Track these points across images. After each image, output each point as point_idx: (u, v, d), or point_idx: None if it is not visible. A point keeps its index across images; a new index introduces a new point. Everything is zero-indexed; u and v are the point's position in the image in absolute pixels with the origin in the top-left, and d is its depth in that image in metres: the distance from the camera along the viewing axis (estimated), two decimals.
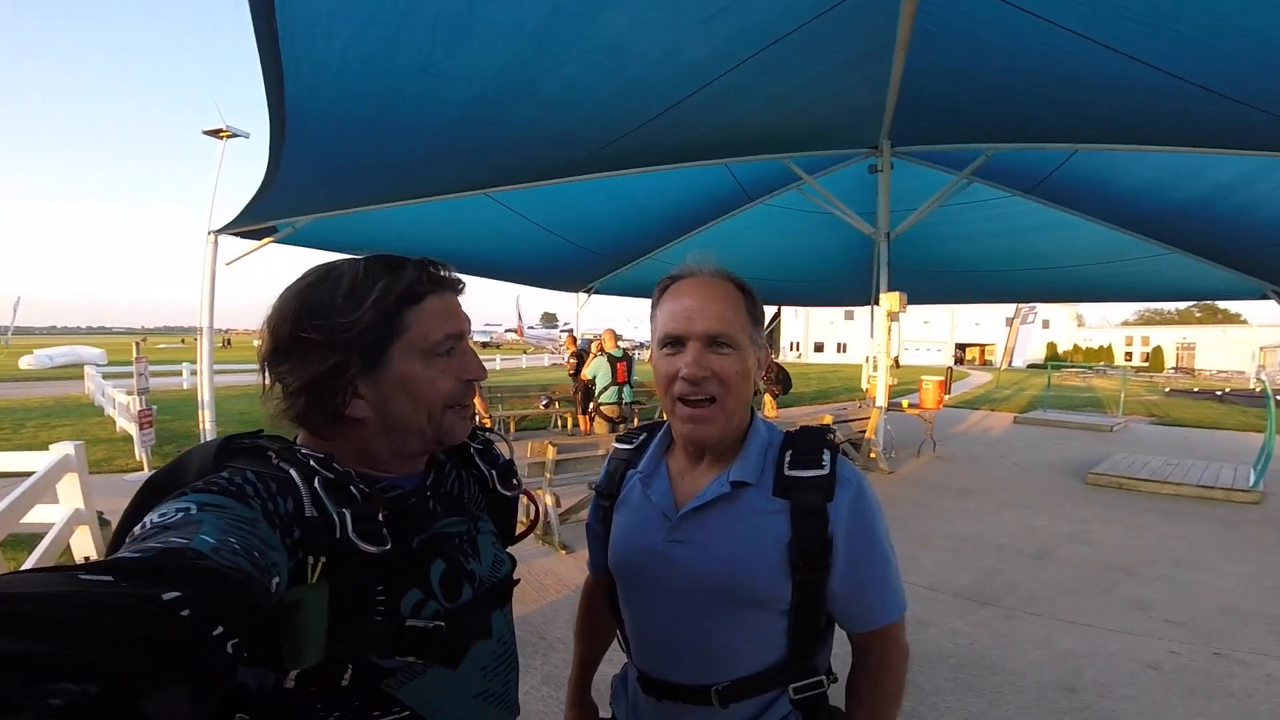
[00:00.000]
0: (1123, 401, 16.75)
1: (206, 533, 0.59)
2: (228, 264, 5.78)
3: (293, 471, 0.77)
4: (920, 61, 3.80)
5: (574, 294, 11.26)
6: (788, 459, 1.07)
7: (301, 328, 0.82)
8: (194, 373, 18.63)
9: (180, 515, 0.63)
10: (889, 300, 7.74)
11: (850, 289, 11.82)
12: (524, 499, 1.17)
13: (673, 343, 1.08)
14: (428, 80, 3.00)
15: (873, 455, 8.30)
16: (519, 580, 1.07)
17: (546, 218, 7.35)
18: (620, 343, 8.01)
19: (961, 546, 5.23)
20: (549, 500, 5.00)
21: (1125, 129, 4.72)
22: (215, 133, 22.89)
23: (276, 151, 3.51)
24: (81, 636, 0.40)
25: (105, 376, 16.63)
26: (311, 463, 0.79)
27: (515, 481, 1.10)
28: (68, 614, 0.41)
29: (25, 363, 28.54)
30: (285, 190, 4.41)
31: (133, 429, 8.34)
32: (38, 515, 3.66)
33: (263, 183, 4.21)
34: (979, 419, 14.65)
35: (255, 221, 5.44)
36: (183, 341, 69.64)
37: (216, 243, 5.57)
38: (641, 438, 1.28)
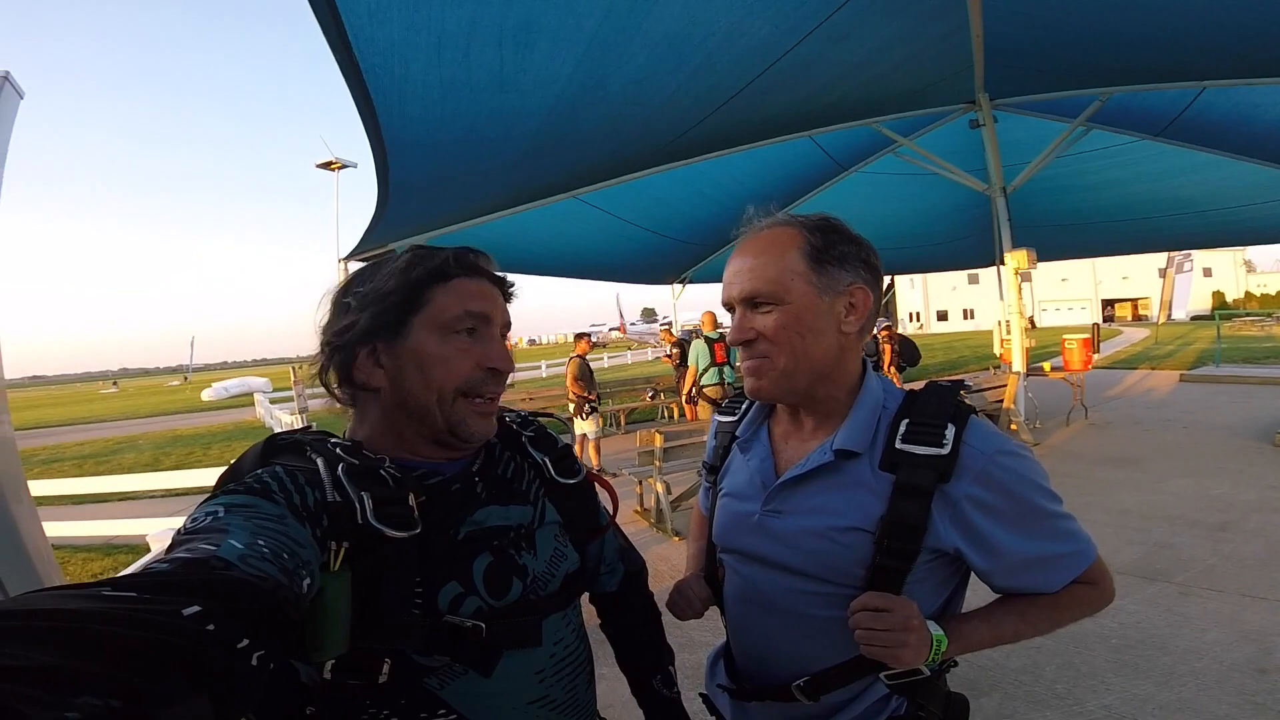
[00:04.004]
0: None
1: (234, 537, 0.59)
2: None
3: (319, 461, 0.77)
4: (999, 8, 3.49)
5: (669, 286, 11.32)
6: (902, 429, 0.94)
7: (343, 294, 0.89)
8: None
9: (209, 519, 0.64)
10: (1015, 258, 7.14)
11: (970, 251, 10.99)
12: (600, 487, 1.10)
13: (730, 310, 1.05)
14: (505, 95, 3.15)
15: (1013, 426, 7.64)
16: (586, 589, 1.01)
17: (635, 213, 7.44)
18: (725, 329, 7.95)
19: (1124, 520, 4.67)
20: (660, 488, 5.08)
21: (1259, 62, 4.04)
22: (327, 165, 24.66)
23: (383, 179, 3.81)
24: (103, 651, 0.40)
25: (272, 401, 18.76)
26: (338, 450, 0.80)
27: (577, 469, 1.04)
28: (90, 629, 0.41)
29: (207, 395, 32.89)
30: (396, 214, 4.77)
31: None
32: None
33: (375, 209, 4.58)
34: (1137, 379, 13.04)
35: (375, 245, 5.91)
36: None
37: (346, 268, 6.12)
38: (744, 407, 1.20)
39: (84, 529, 5.45)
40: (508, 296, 0.96)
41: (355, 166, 24.66)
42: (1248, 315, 31.41)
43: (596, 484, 1.08)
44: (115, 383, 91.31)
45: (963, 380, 1.06)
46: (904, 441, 0.93)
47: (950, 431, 0.91)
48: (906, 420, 0.95)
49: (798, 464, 1.00)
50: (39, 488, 6.08)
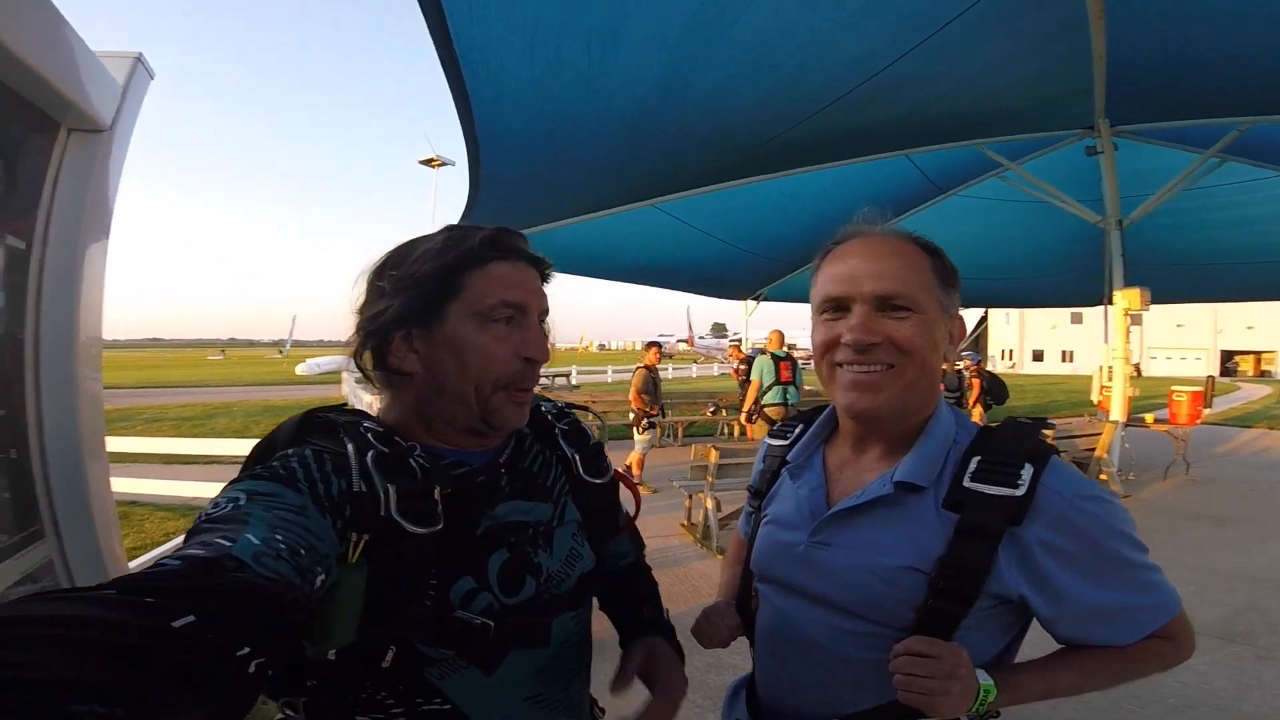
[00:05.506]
0: None
1: (252, 531, 0.59)
2: None
3: (350, 446, 0.76)
4: (1125, 31, 3.21)
5: (742, 302, 11.14)
6: (973, 466, 0.86)
7: (378, 277, 0.86)
8: None
9: (230, 507, 0.63)
10: (1126, 298, 6.57)
11: (1075, 287, 10.25)
12: (623, 487, 1.06)
13: (834, 307, 0.92)
14: (590, 96, 3.17)
15: (1103, 476, 7.07)
16: (597, 592, 1.00)
17: (714, 225, 7.35)
18: (794, 350, 7.78)
19: (1210, 579, 4.37)
20: (709, 504, 4.98)
21: None
22: (428, 162, 25.85)
23: (474, 173, 3.89)
24: (105, 660, 0.40)
25: (357, 381, 19.77)
26: (370, 436, 0.78)
27: (605, 467, 1.01)
28: (93, 638, 0.41)
29: (300, 369, 35.05)
30: (485, 208, 4.89)
31: None
32: None
33: (466, 204, 4.71)
34: (1252, 438, 11.94)
35: None
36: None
37: None
38: (797, 429, 1.12)
39: (167, 488, 5.86)
40: (545, 278, 0.92)
41: (454, 164, 25.74)
42: None
43: (623, 484, 1.06)
44: (223, 351, 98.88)
45: (1045, 419, 0.97)
46: (973, 480, 0.85)
47: (1027, 472, 0.83)
48: (978, 457, 0.87)
49: (853, 494, 0.93)
50: (139, 445, 6.59)
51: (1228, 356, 48.00)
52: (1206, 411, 10.19)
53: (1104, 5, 3.07)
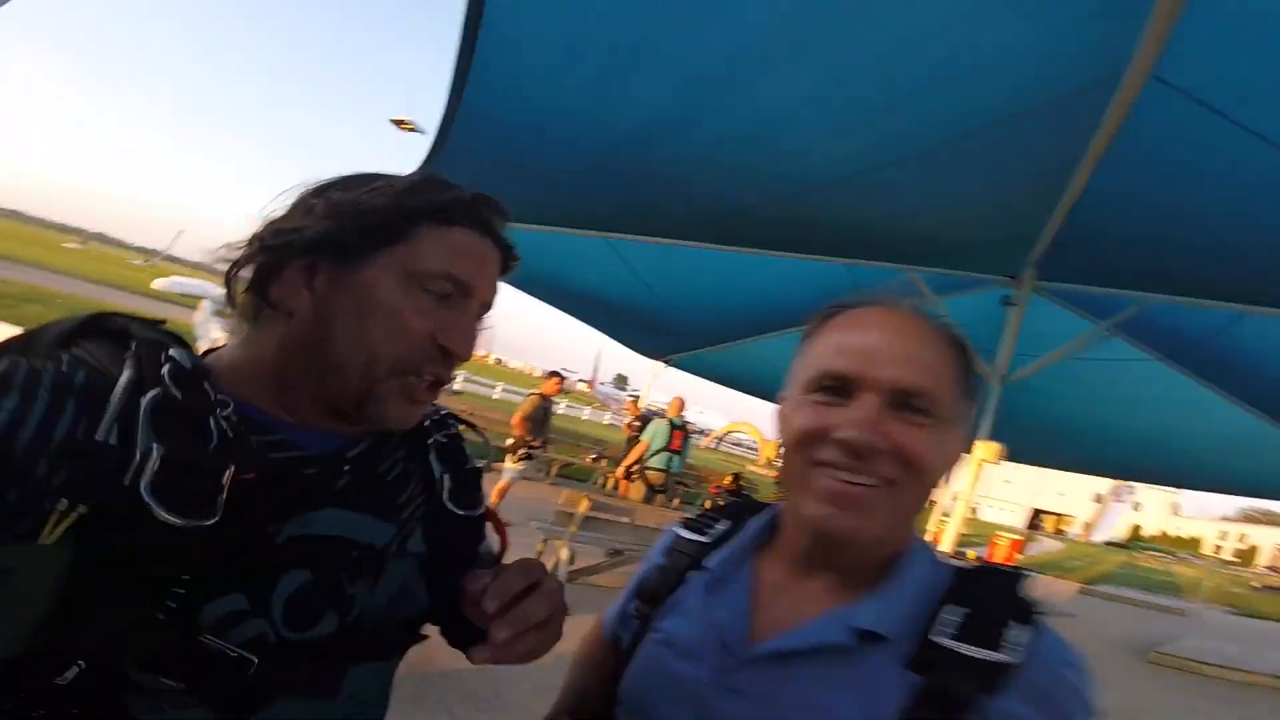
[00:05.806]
0: (1205, 589, 15.81)
1: None
2: None
3: (127, 374, 0.55)
4: (1103, 184, 3.26)
5: (651, 362, 11.16)
6: (950, 618, 0.68)
7: (315, 194, 0.69)
8: None
9: None
10: (986, 450, 7.11)
11: None
12: (491, 529, 0.88)
13: (832, 388, 0.70)
14: (594, 105, 2.99)
15: None
16: (426, 637, 0.80)
17: (652, 274, 7.26)
18: (686, 420, 7.94)
19: None
20: (564, 554, 4.71)
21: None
22: (399, 122, 24.55)
23: (439, 146, 3.49)
24: None
25: (216, 313, 17.87)
26: (166, 373, 0.56)
27: (477, 499, 0.83)
28: None
29: (157, 284, 31.39)
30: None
31: None
32: None
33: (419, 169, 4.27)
34: (1043, 584, 14.10)
35: None
36: None
37: None
38: (719, 528, 0.88)
39: None
40: (507, 265, 0.78)
41: (423, 133, 24.70)
42: (1156, 550, 34.99)
43: (491, 524, 0.88)
44: (85, 241, 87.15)
45: (1023, 571, 0.79)
46: (951, 636, 0.66)
47: (1015, 634, 0.65)
48: (957, 608, 0.68)
49: (790, 632, 0.71)
50: None
51: (1037, 514, 55.59)
52: (1017, 558, 11.75)
53: (1105, 149, 2.82)
